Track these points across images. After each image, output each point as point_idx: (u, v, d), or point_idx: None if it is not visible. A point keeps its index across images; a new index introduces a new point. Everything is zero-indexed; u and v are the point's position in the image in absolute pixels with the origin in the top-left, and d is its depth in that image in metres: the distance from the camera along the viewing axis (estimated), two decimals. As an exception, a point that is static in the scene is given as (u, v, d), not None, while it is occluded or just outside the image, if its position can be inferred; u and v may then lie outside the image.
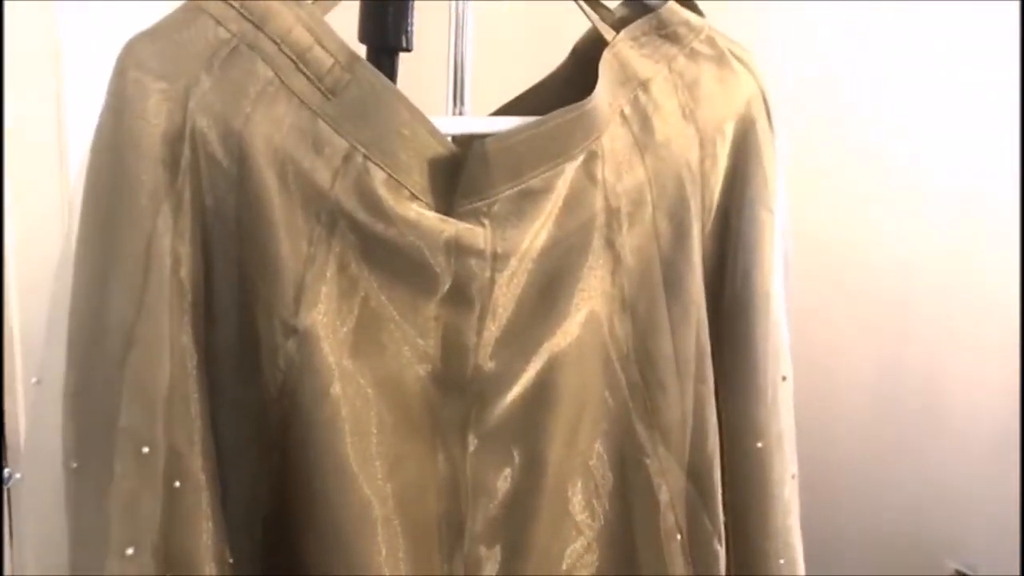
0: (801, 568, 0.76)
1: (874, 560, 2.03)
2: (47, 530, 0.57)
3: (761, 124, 0.72)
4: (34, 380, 0.58)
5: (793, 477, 0.75)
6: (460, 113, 0.71)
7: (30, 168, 1.02)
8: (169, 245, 0.57)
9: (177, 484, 0.58)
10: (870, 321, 1.93)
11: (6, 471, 0.99)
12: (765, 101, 0.72)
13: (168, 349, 0.57)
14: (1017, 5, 1.69)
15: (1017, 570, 1.93)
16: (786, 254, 0.75)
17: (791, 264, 0.76)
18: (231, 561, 0.61)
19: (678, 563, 0.70)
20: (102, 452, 0.56)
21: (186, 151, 0.57)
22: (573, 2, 0.70)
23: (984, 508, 1.95)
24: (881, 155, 1.87)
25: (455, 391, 0.66)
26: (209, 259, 0.59)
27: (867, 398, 1.97)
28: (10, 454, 1.01)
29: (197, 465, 0.58)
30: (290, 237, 0.59)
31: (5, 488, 1.00)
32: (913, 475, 1.97)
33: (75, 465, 0.56)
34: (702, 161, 0.70)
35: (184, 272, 0.58)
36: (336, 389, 0.61)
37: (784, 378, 0.74)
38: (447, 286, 0.63)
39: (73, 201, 0.58)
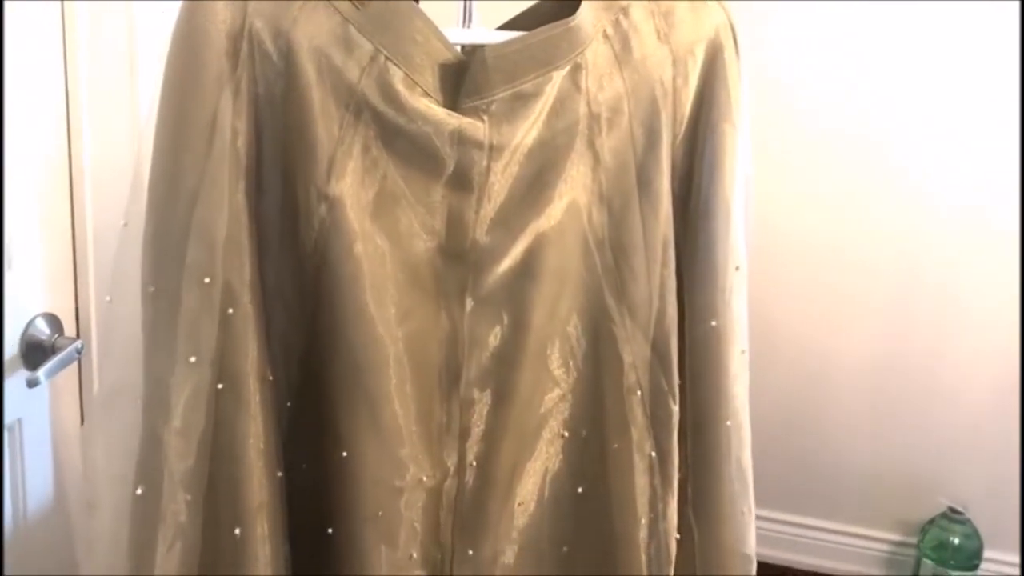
0: (746, 430, 0.90)
1: (875, 497, 2.16)
2: (129, 342, 0.73)
3: (728, 49, 0.85)
4: (122, 223, 0.74)
5: (743, 352, 0.89)
6: (468, 27, 0.85)
7: (103, 76, 1.17)
8: (229, 121, 0.72)
9: (230, 311, 0.74)
10: (876, 284, 2.05)
11: (79, 342, 1.17)
12: (732, 29, 0.85)
13: (226, 203, 0.73)
14: (1017, 5, 1.78)
15: (1002, 508, 2.05)
16: (747, 173, 0.88)
17: (752, 179, 0.89)
18: (271, 379, 0.77)
19: (637, 413, 0.85)
20: (172, 281, 0.72)
21: (244, 46, 0.72)
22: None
23: (975, 452, 2.08)
24: (878, 153, 2.00)
25: (456, 260, 0.80)
26: (259, 135, 0.74)
27: (872, 350, 2.09)
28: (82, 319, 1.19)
29: (246, 298, 0.74)
30: (324, 121, 0.74)
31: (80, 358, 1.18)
32: (912, 422, 2.10)
33: (152, 289, 0.73)
34: (674, 78, 0.83)
35: (240, 144, 0.73)
36: (359, 248, 0.76)
37: (737, 268, 0.87)
38: (451, 170, 0.78)
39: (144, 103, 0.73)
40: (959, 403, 2.06)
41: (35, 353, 1.13)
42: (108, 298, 0.75)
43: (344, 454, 0.78)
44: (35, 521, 1.17)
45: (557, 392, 0.85)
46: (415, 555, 0.82)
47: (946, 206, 1.97)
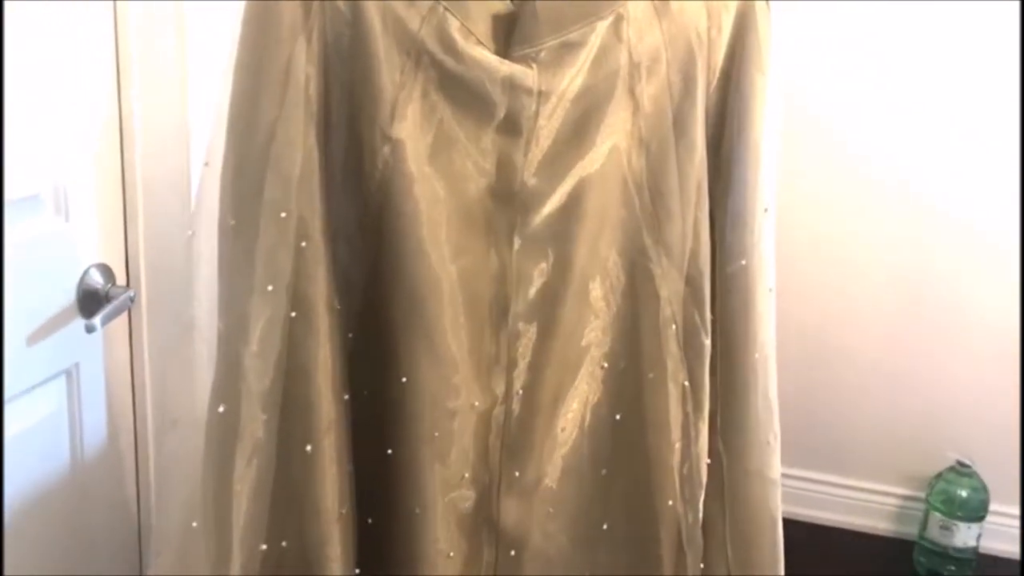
0: (772, 363, 0.97)
1: (886, 450, 2.25)
2: (210, 274, 0.80)
3: (760, 2, 0.90)
4: (204, 163, 0.80)
5: (770, 290, 0.96)
6: (519, -20, 0.91)
7: (153, 32, 1.23)
8: (303, 67, 0.79)
9: (303, 244, 0.80)
10: (887, 243, 2.12)
11: (131, 291, 1.24)
12: (763, -17, 0.91)
13: (300, 143, 0.79)
14: (1017, 5, 1.84)
15: (1008, 462, 2.13)
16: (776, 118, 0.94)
17: (780, 128, 0.95)
18: (338, 308, 0.84)
19: (672, 346, 0.92)
20: (252, 215, 0.79)
21: None
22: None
23: (983, 407, 2.15)
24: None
25: (505, 201, 0.87)
26: (328, 81, 0.81)
27: (882, 308, 2.16)
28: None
29: (317, 233, 0.81)
30: (388, 67, 0.80)
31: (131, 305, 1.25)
32: (923, 380, 2.17)
33: (232, 223, 0.80)
34: (709, 29, 0.89)
35: (312, 88, 0.80)
36: (417, 188, 0.83)
37: (766, 210, 0.93)
38: (502, 115, 0.84)
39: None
40: (968, 359, 2.13)
41: (90, 301, 1.20)
42: (190, 232, 0.81)
43: (404, 380, 0.86)
44: (91, 457, 1.25)
45: (598, 326, 0.91)
46: (467, 475, 0.89)
47: (956, 182, 2.04)
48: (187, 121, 1.26)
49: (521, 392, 0.90)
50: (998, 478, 2.11)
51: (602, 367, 0.92)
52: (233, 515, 0.81)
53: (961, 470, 2.10)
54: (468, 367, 0.88)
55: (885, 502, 2.26)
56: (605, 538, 0.94)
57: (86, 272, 1.20)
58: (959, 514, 2.08)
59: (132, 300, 1.24)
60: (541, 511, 0.92)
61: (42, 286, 1.12)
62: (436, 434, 0.87)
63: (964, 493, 2.08)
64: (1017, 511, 2.16)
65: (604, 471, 0.94)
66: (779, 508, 0.99)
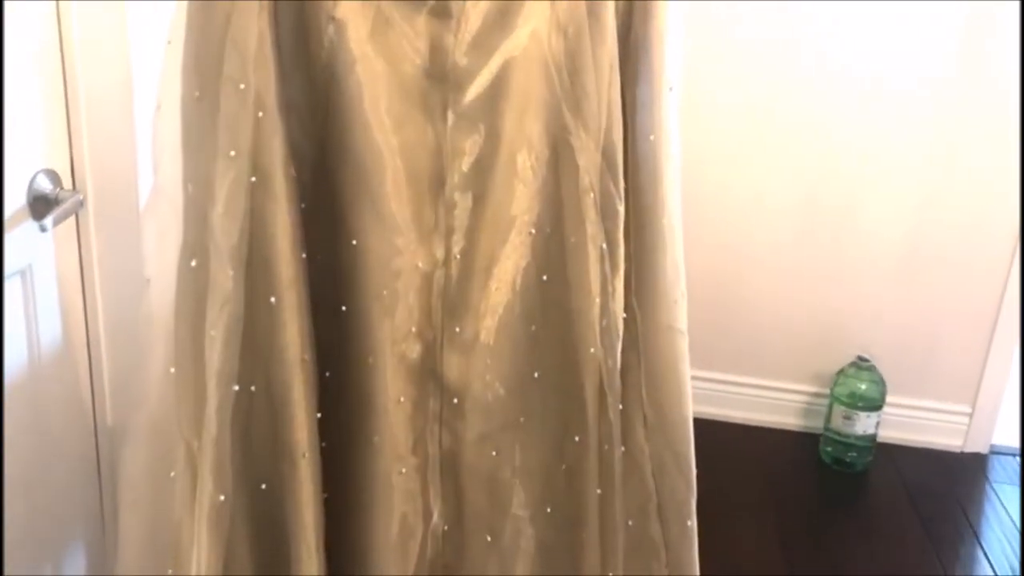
0: (679, 230, 1.11)
1: (793, 349, 2.46)
2: (175, 144, 0.90)
3: None
4: (168, 41, 0.90)
5: (676, 164, 1.09)
6: None
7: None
8: None
9: (260, 114, 0.91)
10: (792, 162, 2.30)
11: (79, 195, 1.32)
12: None
13: (255, 24, 0.89)
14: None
15: (902, 357, 2.35)
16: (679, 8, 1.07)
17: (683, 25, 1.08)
18: (294, 175, 0.95)
19: (591, 212, 1.05)
20: (213, 87, 0.89)
21: None
22: None
23: (880, 309, 2.36)
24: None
25: (439, 80, 0.99)
26: None
27: (789, 221, 2.35)
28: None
29: (273, 103, 0.92)
30: None
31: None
32: (826, 284, 2.37)
33: (197, 94, 0.90)
34: None
35: None
36: (359, 67, 0.94)
37: (671, 89, 1.07)
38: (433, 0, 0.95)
39: None
40: (867, 264, 2.34)
41: (40, 205, 1.28)
42: (158, 105, 0.91)
43: (354, 242, 0.97)
44: (48, 357, 1.33)
45: (525, 194, 1.04)
46: (413, 330, 1.02)
47: (853, 77, 2.22)
48: (126, 26, 1.33)
49: (459, 257, 1.03)
50: (894, 372, 2.34)
51: (530, 232, 1.05)
52: (207, 358, 0.92)
53: (861, 364, 2.31)
54: (411, 231, 1.00)
55: (793, 399, 2.47)
56: (536, 385, 1.08)
57: (34, 177, 1.27)
58: (860, 405, 2.30)
59: (82, 204, 1.32)
60: (479, 363, 1.06)
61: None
62: (384, 292, 0.99)
63: (864, 386, 2.31)
64: (910, 401, 2.40)
65: (533, 327, 1.08)
66: (686, 356, 1.14)
